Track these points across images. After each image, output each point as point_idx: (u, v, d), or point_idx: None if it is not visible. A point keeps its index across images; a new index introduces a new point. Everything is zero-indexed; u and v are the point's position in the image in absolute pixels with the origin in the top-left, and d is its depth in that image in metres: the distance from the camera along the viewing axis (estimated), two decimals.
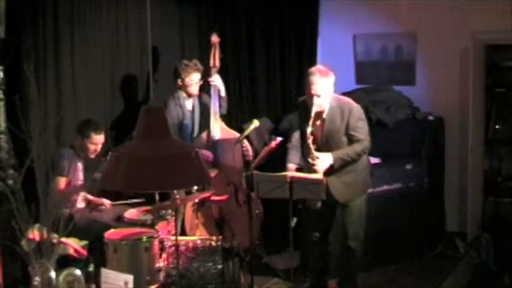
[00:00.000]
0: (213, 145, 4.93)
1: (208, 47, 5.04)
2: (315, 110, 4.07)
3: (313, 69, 4.17)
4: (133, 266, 3.58)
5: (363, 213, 4.38)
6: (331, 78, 4.14)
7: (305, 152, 4.19)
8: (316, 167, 4.11)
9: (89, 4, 4.74)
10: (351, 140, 4.18)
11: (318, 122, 4.19)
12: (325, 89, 4.10)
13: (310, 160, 4.12)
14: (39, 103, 3.00)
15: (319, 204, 4.16)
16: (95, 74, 4.85)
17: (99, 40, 4.87)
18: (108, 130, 4.85)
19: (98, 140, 4.30)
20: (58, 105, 4.47)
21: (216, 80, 4.98)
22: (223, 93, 5.03)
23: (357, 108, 4.22)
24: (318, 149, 4.15)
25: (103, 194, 4.49)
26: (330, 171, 4.15)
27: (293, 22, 6.45)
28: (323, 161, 4.10)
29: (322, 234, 4.47)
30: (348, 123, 4.15)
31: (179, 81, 4.91)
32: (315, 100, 4.07)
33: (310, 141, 4.07)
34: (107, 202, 4.44)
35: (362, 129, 4.20)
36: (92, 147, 4.29)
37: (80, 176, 4.34)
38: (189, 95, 4.97)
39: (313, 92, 4.07)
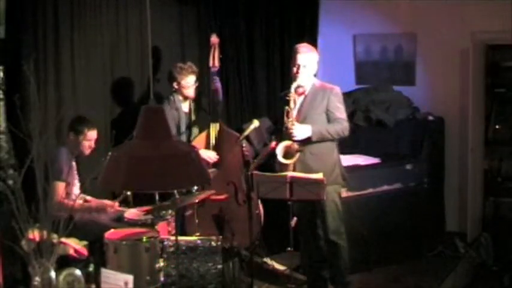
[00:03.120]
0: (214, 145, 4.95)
1: (208, 48, 5.04)
2: (299, 81, 4.26)
3: (298, 45, 4.40)
4: (133, 266, 3.57)
5: (339, 209, 4.38)
6: (315, 54, 4.40)
7: (284, 117, 4.25)
8: (292, 132, 4.18)
9: (89, 4, 4.74)
10: (330, 120, 4.31)
11: (299, 99, 4.34)
12: (309, 62, 4.31)
13: (288, 124, 4.20)
14: (39, 103, 3.00)
15: None
16: (94, 74, 4.84)
17: (99, 40, 4.86)
18: (109, 130, 4.86)
19: (92, 136, 4.29)
20: (58, 105, 4.47)
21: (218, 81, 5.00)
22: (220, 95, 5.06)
23: (338, 91, 4.39)
24: None
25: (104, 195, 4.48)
26: (303, 144, 4.22)
27: (293, 22, 6.45)
28: (301, 128, 4.21)
29: (309, 228, 4.47)
30: (329, 101, 4.30)
31: (175, 85, 4.90)
32: (301, 70, 4.25)
33: (292, 99, 4.22)
34: (109, 203, 4.40)
35: (341, 110, 4.35)
36: (86, 143, 4.27)
37: (76, 175, 4.34)
38: (185, 98, 4.95)
39: (298, 61, 4.27)
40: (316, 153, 4.29)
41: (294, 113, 4.23)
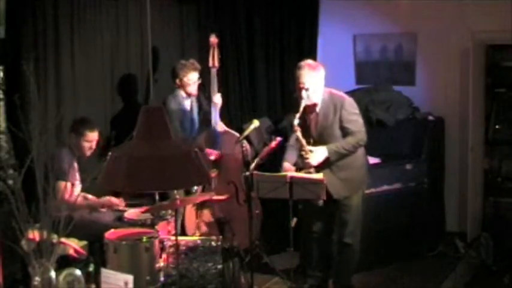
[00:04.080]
0: (214, 144, 4.96)
1: (208, 48, 5.04)
2: (303, 103, 4.13)
3: (302, 63, 4.23)
4: (133, 266, 3.57)
5: (360, 211, 4.39)
6: (320, 72, 4.21)
7: (298, 146, 4.23)
8: (309, 161, 4.14)
9: (89, 4, 4.74)
10: (345, 134, 4.21)
11: (312, 117, 4.25)
12: (314, 82, 4.16)
13: (303, 153, 4.16)
14: (39, 103, 2.99)
15: (321, 201, 4.15)
16: (95, 74, 4.84)
17: (99, 40, 4.86)
18: (109, 130, 4.86)
19: (93, 137, 4.28)
20: (58, 105, 4.47)
21: (218, 100, 4.99)
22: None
23: (349, 101, 4.26)
24: (313, 144, 4.19)
25: (104, 193, 4.48)
26: (325, 165, 4.17)
27: (293, 22, 6.45)
28: (317, 154, 4.13)
29: (323, 232, 4.48)
30: (341, 116, 4.19)
31: (177, 81, 4.93)
32: (303, 93, 4.12)
33: (298, 133, 4.12)
34: (115, 201, 4.40)
35: (355, 122, 4.23)
36: (86, 145, 4.27)
37: (77, 176, 4.34)
38: (188, 95, 4.98)
39: (301, 85, 4.13)
40: (343, 164, 4.24)
41: (304, 142, 4.14)
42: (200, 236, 4.21)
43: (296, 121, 4.11)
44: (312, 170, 4.17)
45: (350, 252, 4.41)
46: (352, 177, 4.29)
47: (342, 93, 4.33)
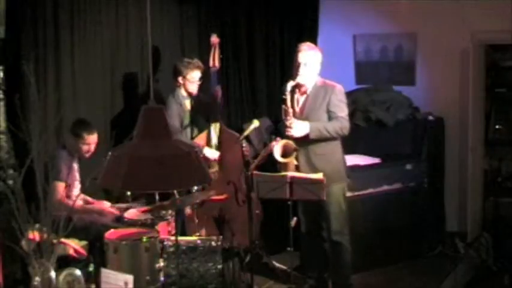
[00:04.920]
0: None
1: (208, 48, 5.04)
2: (299, 80, 4.26)
3: (302, 43, 4.40)
4: (133, 266, 3.57)
5: (343, 208, 4.38)
6: (318, 53, 4.36)
7: (282, 114, 4.30)
8: (290, 130, 4.20)
9: (89, 4, 4.74)
10: (331, 118, 4.29)
11: (301, 99, 4.35)
12: (311, 60, 4.29)
13: (286, 123, 4.21)
14: (39, 103, 2.99)
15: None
16: (95, 74, 4.84)
17: (99, 40, 4.86)
18: (109, 130, 4.86)
19: (91, 140, 4.24)
20: (58, 105, 4.46)
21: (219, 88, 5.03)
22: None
23: (339, 88, 4.37)
24: None
25: (103, 196, 4.49)
26: (304, 141, 4.21)
27: (293, 22, 6.45)
28: (300, 126, 4.20)
29: (315, 232, 4.48)
30: (330, 100, 4.29)
31: (180, 79, 4.90)
32: (301, 68, 4.24)
33: (288, 100, 4.22)
34: (106, 204, 4.41)
35: (342, 108, 4.32)
36: (85, 147, 4.23)
37: (77, 176, 4.33)
38: (189, 94, 4.97)
39: (300, 59, 4.26)
40: (321, 153, 4.29)
41: (290, 111, 4.22)
42: (200, 236, 4.21)
43: (289, 87, 4.23)
44: (291, 142, 4.21)
45: (342, 252, 4.39)
46: (328, 170, 4.23)
47: (334, 83, 4.40)
